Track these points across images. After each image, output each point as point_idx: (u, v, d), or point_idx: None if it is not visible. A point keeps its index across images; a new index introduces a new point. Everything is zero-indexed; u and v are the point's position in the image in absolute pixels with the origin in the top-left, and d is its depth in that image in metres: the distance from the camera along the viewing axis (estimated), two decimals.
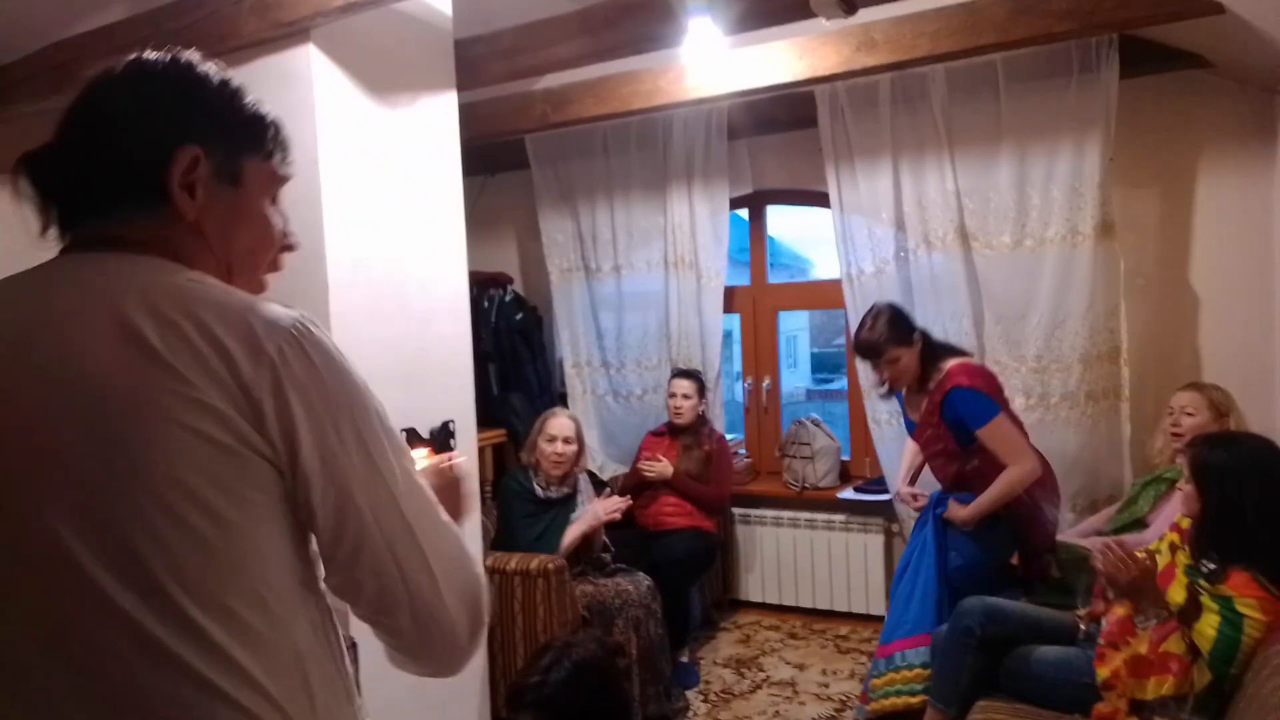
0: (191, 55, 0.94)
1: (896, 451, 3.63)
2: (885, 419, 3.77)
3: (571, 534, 3.32)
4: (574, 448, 3.44)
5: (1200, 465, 2.27)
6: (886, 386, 3.07)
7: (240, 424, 0.77)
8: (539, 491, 3.42)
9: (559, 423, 3.47)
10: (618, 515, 3.40)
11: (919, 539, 3.03)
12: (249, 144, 0.93)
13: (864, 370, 3.30)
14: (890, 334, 2.95)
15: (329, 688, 0.87)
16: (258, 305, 0.83)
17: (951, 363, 2.96)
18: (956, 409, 2.89)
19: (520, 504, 3.43)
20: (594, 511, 3.38)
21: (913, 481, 3.28)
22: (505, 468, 3.95)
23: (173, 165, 0.86)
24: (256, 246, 0.96)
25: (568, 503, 3.46)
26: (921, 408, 3.01)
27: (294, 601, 0.84)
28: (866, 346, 3.01)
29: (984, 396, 2.87)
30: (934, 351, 3.02)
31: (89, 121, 0.88)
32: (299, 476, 0.81)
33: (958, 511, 2.91)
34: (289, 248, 1.01)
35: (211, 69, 0.94)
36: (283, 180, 0.99)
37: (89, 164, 0.87)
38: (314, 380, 0.81)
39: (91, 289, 0.82)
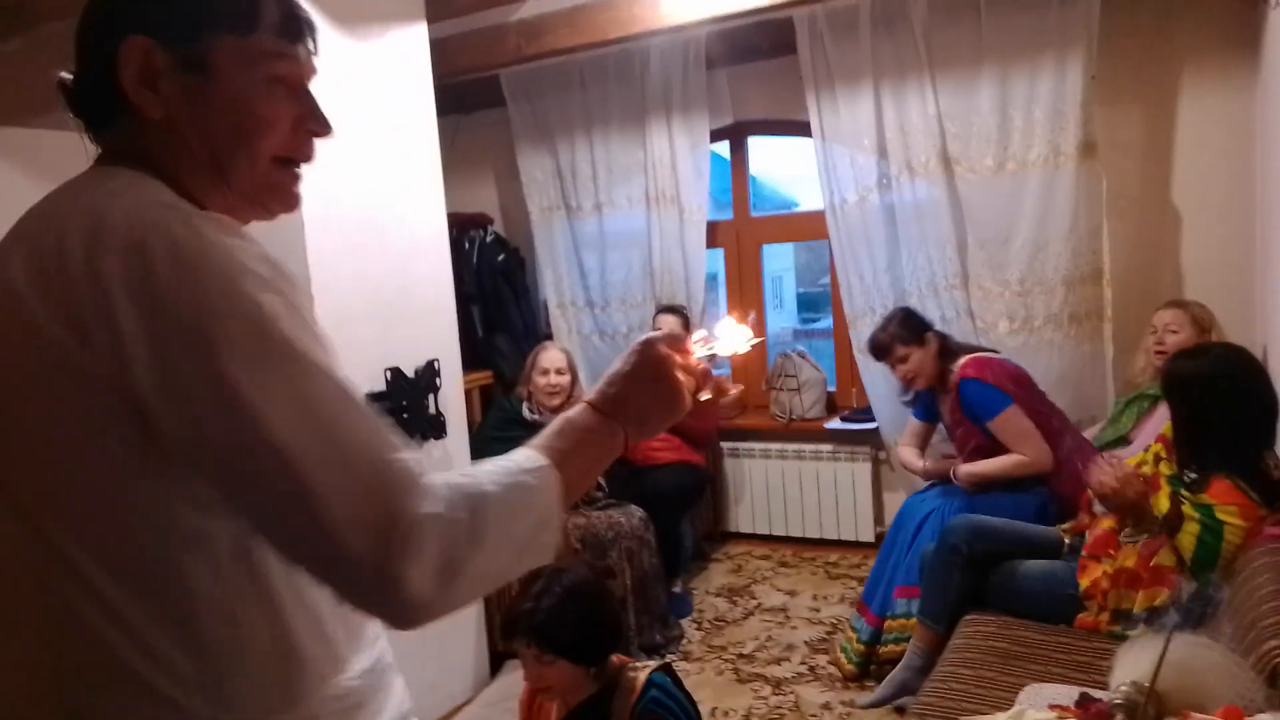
0: None
1: (883, 383, 3.64)
2: None
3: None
4: (567, 378, 3.51)
5: (1170, 377, 2.30)
6: (911, 393, 3.14)
7: (74, 348, 0.71)
8: (527, 415, 3.49)
9: (551, 355, 3.57)
10: None
11: (949, 489, 3.03)
12: (214, 22, 0.82)
13: (888, 374, 3.29)
14: (900, 333, 3.03)
15: (238, 640, 0.78)
16: (107, 212, 0.74)
17: (965, 359, 2.99)
18: (969, 402, 2.93)
19: (499, 415, 3.61)
20: None
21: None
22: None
23: (120, 62, 0.80)
24: (247, 135, 0.85)
25: None
26: (948, 409, 3.05)
27: (180, 538, 0.76)
28: (876, 346, 3.11)
29: (991, 388, 2.88)
30: (951, 351, 3.06)
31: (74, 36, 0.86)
32: (139, 401, 0.72)
33: (958, 468, 2.98)
34: (315, 133, 0.90)
35: None
36: (280, 55, 0.86)
37: (77, 79, 0.86)
38: (153, 294, 0.71)
39: (27, 218, 0.80)
